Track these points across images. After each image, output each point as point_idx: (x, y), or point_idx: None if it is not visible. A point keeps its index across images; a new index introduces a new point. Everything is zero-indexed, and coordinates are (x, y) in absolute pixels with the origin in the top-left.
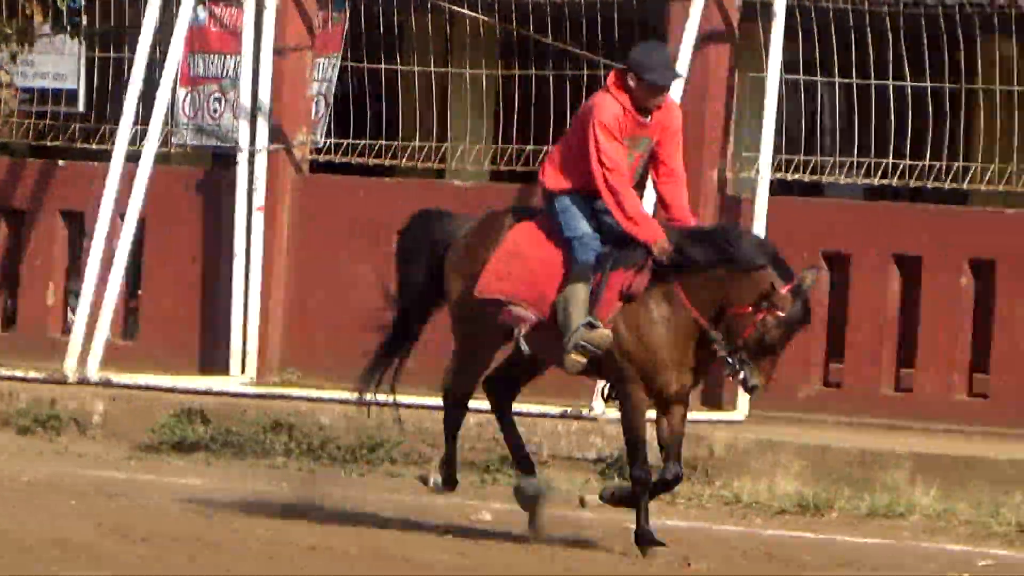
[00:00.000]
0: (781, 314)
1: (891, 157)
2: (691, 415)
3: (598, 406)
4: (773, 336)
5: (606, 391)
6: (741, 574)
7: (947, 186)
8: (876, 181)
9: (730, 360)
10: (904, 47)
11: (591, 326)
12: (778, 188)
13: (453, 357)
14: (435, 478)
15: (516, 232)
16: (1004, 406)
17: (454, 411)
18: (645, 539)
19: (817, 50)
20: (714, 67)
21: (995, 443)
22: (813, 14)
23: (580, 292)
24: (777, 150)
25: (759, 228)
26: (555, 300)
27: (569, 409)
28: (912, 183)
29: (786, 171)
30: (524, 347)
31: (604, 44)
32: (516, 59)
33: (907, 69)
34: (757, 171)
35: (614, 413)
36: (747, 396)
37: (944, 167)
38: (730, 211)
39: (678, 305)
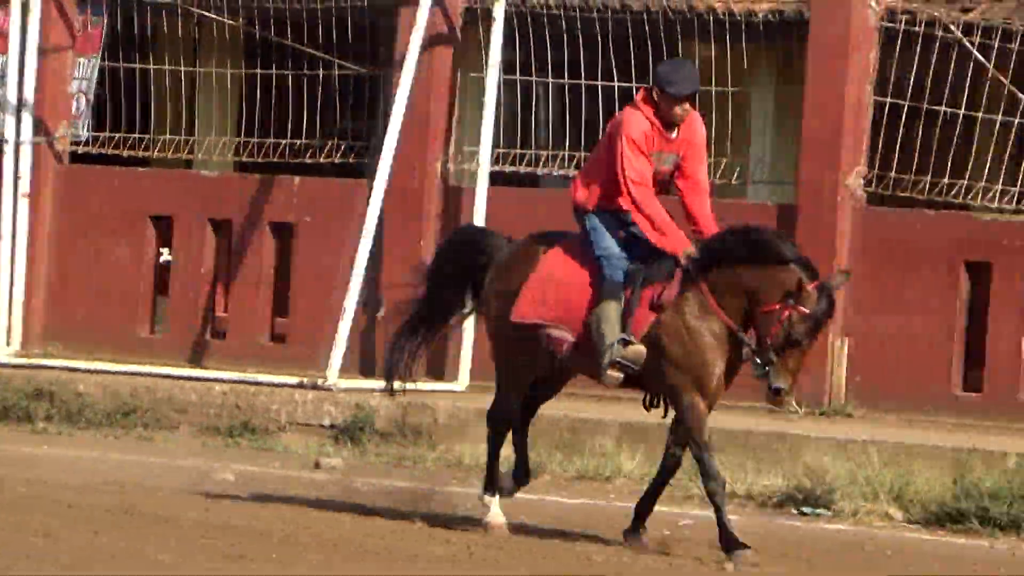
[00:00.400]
0: (806, 310)
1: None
2: (416, 385)
3: (331, 376)
4: (799, 332)
5: (647, 400)
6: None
7: None
8: None
9: (758, 362)
10: (612, 50)
11: (625, 343)
12: (495, 179)
13: (496, 381)
14: (485, 498)
15: (549, 257)
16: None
17: (498, 434)
18: (731, 544)
19: (533, 52)
20: (438, 68)
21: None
22: (529, 19)
23: (611, 310)
24: (496, 144)
25: (479, 216)
26: (587, 319)
27: (306, 380)
28: None
29: (504, 163)
30: (566, 364)
31: (339, 45)
32: (259, 59)
33: (615, 70)
34: (477, 163)
35: (347, 383)
36: (467, 367)
37: None
38: (453, 200)
39: (709, 310)
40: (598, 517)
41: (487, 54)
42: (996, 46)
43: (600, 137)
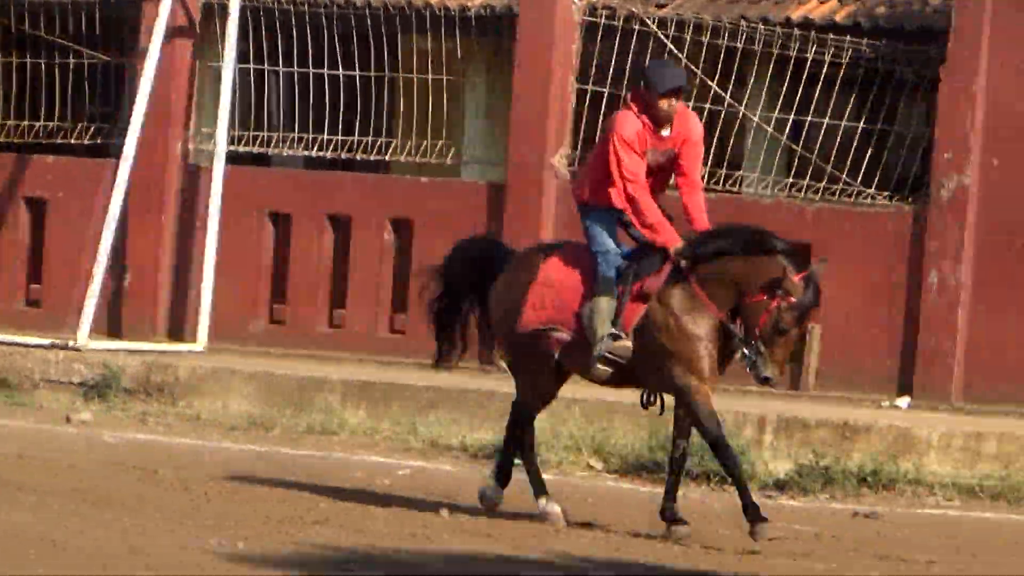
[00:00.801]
0: (793, 299)
1: (327, 133)
2: (158, 346)
3: (81, 338)
4: (786, 322)
5: (644, 398)
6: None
7: (373, 158)
8: (315, 153)
9: (746, 352)
10: (338, 41)
11: (614, 337)
12: (233, 159)
13: (516, 387)
14: (486, 488)
15: (546, 264)
16: (418, 340)
17: (517, 430)
18: (756, 517)
19: (266, 43)
20: (179, 57)
21: (412, 371)
22: (262, 13)
23: (603, 304)
24: (232, 126)
25: (216, 193)
26: (581, 313)
27: (57, 341)
28: (344, 155)
29: (239, 144)
30: (563, 364)
31: (89, 36)
32: (15, 50)
33: (340, 60)
34: (214, 144)
35: (95, 344)
36: (205, 329)
37: (371, 142)
38: (192, 177)
39: (698, 301)
40: (323, 468)
41: (224, 45)
42: (688, 38)
43: (597, 137)
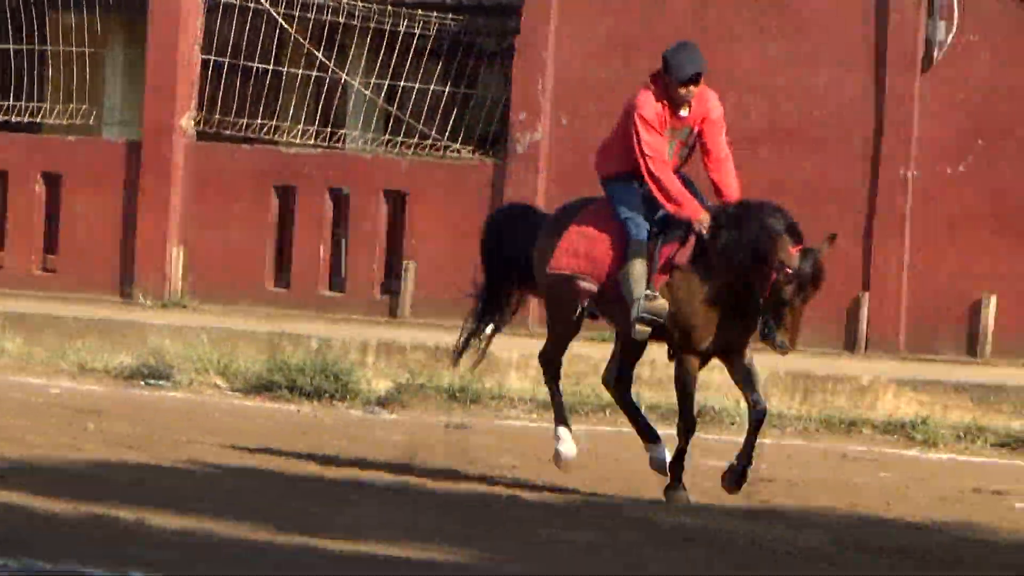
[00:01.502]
0: (790, 271)
1: None
2: None
3: None
4: (786, 293)
5: (671, 352)
6: None
7: (27, 119)
8: None
9: (761, 322)
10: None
11: (649, 298)
12: None
13: (547, 327)
14: (559, 446)
15: (582, 215)
16: (68, 278)
17: (548, 374)
18: (673, 478)
19: None
20: None
21: (62, 304)
22: None
23: (638, 267)
24: None
25: None
26: (617, 274)
27: None
28: (1, 117)
29: None
30: (586, 314)
31: None
32: None
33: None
34: None
35: None
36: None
37: (23, 106)
38: None
39: (714, 273)
40: None
41: None
42: (296, 15)
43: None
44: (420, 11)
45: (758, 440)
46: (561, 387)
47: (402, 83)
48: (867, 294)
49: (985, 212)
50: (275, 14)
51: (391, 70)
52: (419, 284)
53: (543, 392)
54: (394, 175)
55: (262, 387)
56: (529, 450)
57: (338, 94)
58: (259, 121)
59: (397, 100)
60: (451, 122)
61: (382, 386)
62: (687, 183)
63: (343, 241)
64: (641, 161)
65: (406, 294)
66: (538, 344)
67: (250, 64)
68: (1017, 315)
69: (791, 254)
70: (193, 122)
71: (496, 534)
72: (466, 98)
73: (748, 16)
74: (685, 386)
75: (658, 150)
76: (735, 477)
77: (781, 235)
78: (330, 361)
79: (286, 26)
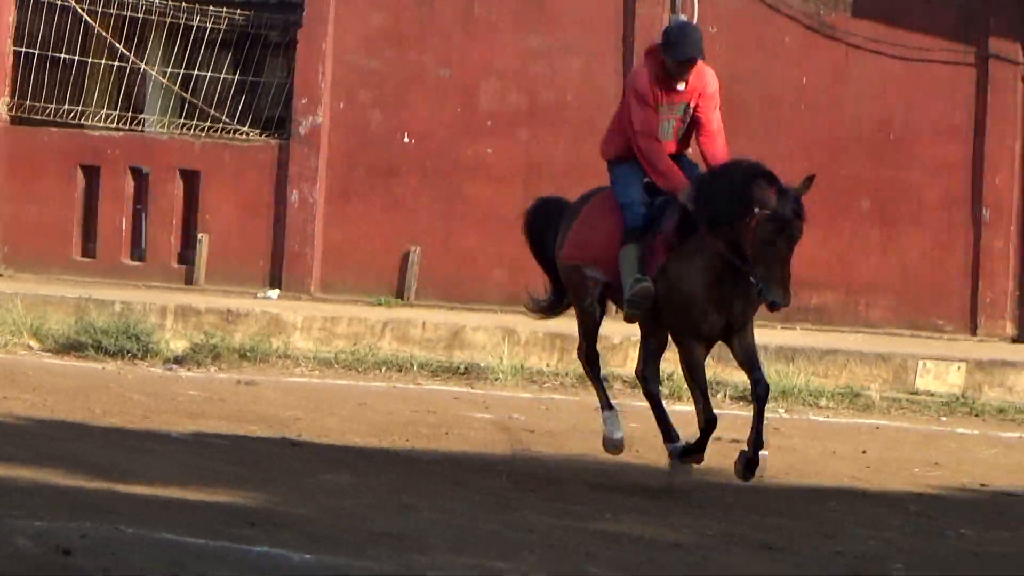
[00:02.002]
0: (768, 212)
1: None
2: None
3: None
4: (767, 233)
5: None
6: None
7: None
8: None
9: (753, 280)
10: None
11: (636, 282)
12: None
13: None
14: (608, 431)
15: (590, 204)
16: None
17: (586, 361)
18: (686, 457)
19: None
20: None
21: None
22: None
23: (631, 252)
24: None
25: None
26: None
27: None
28: None
29: None
30: (597, 308)
31: None
32: None
33: None
34: None
35: None
36: None
37: None
38: None
39: (704, 244)
40: None
41: None
42: (101, 11)
43: None
44: (211, 7)
45: (764, 420)
46: (602, 373)
47: (195, 72)
48: None
49: None
50: (80, 10)
51: (186, 60)
52: (212, 254)
53: (324, 351)
54: (188, 155)
55: (71, 347)
56: (311, 404)
57: (138, 82)
58: (67, 107)
59: (191, 87)
60: (240, 107)
61: (179, 346)
62: (690, 166)
63: (143, 215)
64: (632, 137)
65: (200, 263)
66: (318, 307)
67: (58, 55)
68: None
69: (768, 196)
70: (7, 108)
71: (276, 478)
72: (253, 85)
73: (508, 11)
74: (692, 374)
75: (649, 125)
76: (747, 464)
77: (756, 178)
78: (132, 323)
79: (91, 21)
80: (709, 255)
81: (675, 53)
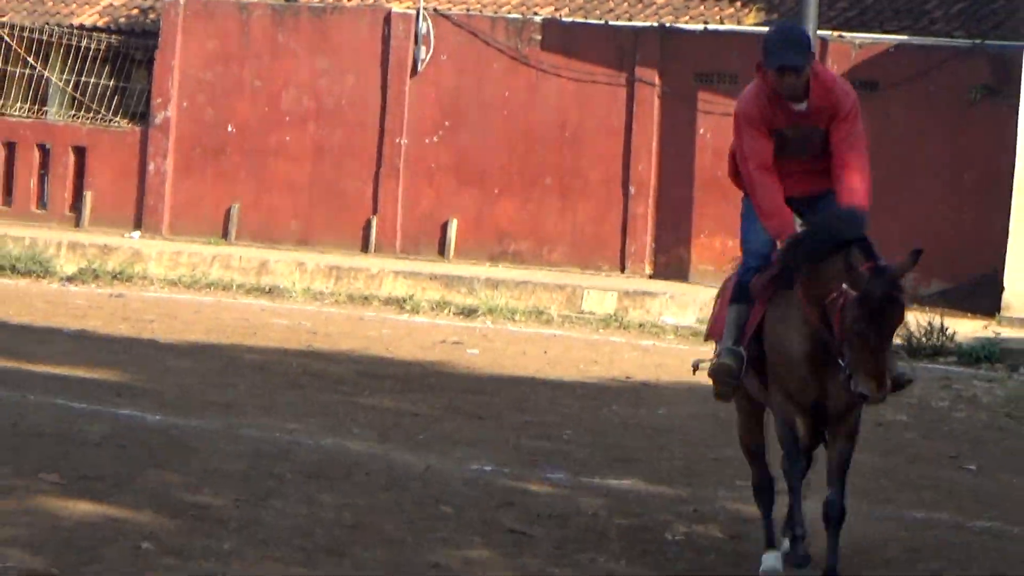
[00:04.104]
0: (855, 293)
1: None
2: None
3: None
4: (853, 320)
5: None
6: None
7: None
8: None
9: (841, 363)
10: None
11: (726, 353)
12: None
13: None
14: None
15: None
16: None
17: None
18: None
19: None
20: None
21: None
22: None
23: (732, 314)
24: None
25: None
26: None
27: None
28: None
29: None
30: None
31: None
32: None
33: None
34: None
35: None
36: None
37: None
38: None
39: (798, 309)
40: None
41: None
42: (17, 34)
43: None
44: (96, 33)
45: (839, 543)
46: (773, 474)
47: (84, 78)
48: (375, 216)
49: (450, 165)
50: (3, 34)
51: (77, 70)
52: (94, 206)
53: (172, 274)
54: (78, 137)
55: None
56: (162, 311)
57: (43, 85)
58: None
59: (80, 90)
60: (115, 104)
61: (70, 269)
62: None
63: (46, 177)
64: (741, 166)
65: (86, 212)
66: (168, 244)
67: None
68: (472, 231)
69: (859, 273)
70: None
71: (137, 362)
72: (124, 89)
73: (303, 39)
74: (782, 446)
75: (756, 151)
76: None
77: (849, 248)
78: (37, 252)
79: (10, 41)
80: (804, 319)
81: (769, 60)
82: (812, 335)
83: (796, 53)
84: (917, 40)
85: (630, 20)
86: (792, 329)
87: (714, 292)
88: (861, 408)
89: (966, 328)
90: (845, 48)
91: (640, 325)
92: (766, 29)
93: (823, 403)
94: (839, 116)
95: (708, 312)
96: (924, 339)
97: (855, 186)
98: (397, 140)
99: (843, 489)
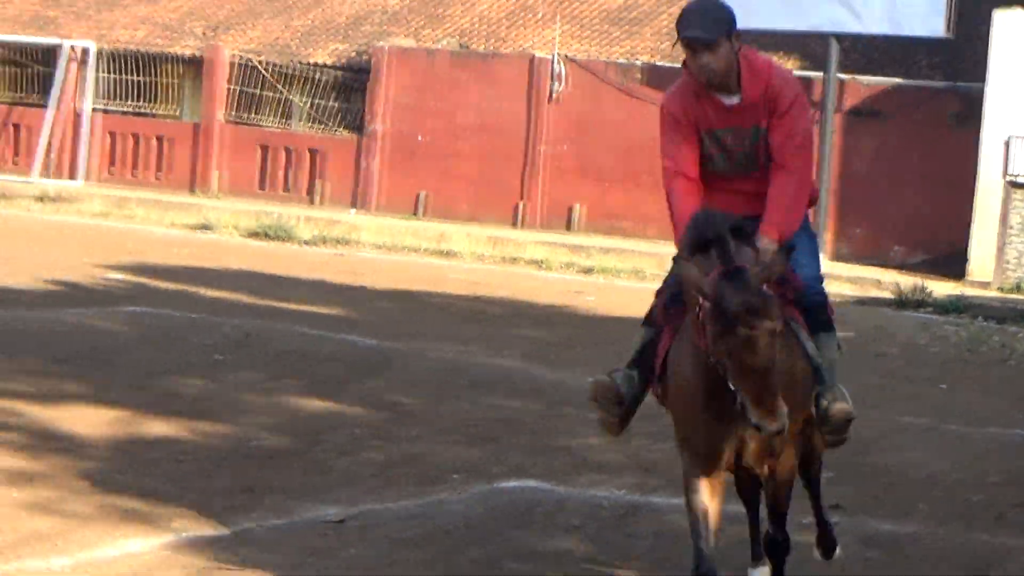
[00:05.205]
0: (708, 304)
1: None
2: None
3: None
4: (715, 338)
5: None
6: None
7: None
8: None
9: (731, 388)
10: None
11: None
12: None
13: None
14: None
15: None
16: None
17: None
18: None
19: None
20: None
21: None
22: None
23: (638, 336)
24: None
25: None
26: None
27: None
28: None
29: None
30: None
31: None
32: None
33: None
34: None
35: None
36: None
37: None
38: None
39: (691, 333)
40: None
41: None
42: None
43: None
44: (326, 68)
45: None
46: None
47: (316, 100)
48: (522, 201)
49: (576, 166)
50: (261, 68)
51: (313, 94)
52: (324, 191)
53: (380, 240)
54: (313, 142)
55: (254, 234)
56: (373, 268)
57: (288, 105)
58: None
59: (314, 108)
60: (339, 119)
61: (306, 235)
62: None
63: (290, 170)
64: (662, 168)
65: (318, 195)
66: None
67: None
68: (591, 212)
69: (707, 282)
70: None
71: (354, 302)
72: (346, 108)
73: (472, 75)
74: (687, 511)
75: (672, 154)
76: None
77: (705, 245)
78: (283, 223)
79: (265, 74)
80: (703, 357)
81: (681, 32)
82: (708, 366)
83: (705, 25)
84: (908, 81)
85: None
86: (684, 358)
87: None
88: (800, 440)
89: (941, 288)
90: (857, 87)
91: None
92: (805, 73)
93: (739, 451)
94: (779, 110)
95: None
96: (911, 295)
97: (788, 194)
98: (538, 147)
99: (783, 523)
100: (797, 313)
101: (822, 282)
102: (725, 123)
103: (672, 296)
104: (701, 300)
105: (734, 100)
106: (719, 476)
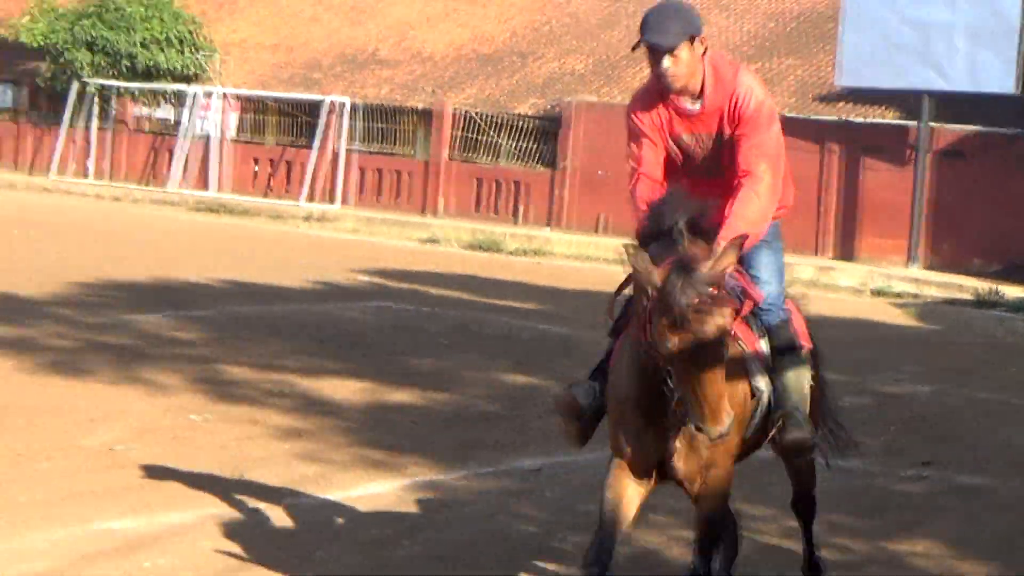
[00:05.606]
0: (655, 294)
1: None
2: None
3: None
4: (660, 334)
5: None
6: None
7: None
8: None
9: (668, 391)
10: None
11: (569, 387)
12: None
13: None
14: None
15: None
16: None
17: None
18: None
19: None
20: None
21: None
22: None
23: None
24: None
25: None
26: None
27: None
28: None
29: None
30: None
31: None
32: None
33: None
34: None
35: None
36: None
37: None
38: None
39: (635, 326)
40: None
41: None
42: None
43: None
44: (527, 118)
45: None
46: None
47: (519, 143)
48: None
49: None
50: (476, 118)
51: (517, 137)
52: (524, 212)
53: (571, 251)
54: (516, 175)
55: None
56: (562, 274)
57: (497, 146)
58: None
59: (518, 149)
60: (537, 157)
61: (511, 247)
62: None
63: (498, 196)
64: (630, 171)
65: (519, 216)
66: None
67: None
68: None
69: (652, 275)
70: None
71: (549, 299)
72: (542, 149)
73: (620, 123)
74: (599, 504)
75: (645, 163)
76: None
77: (656, 249)
78: (492, 238)
79: (479, 122)
80: (643, 360)
81: (644, 37)
82: (643, 368)
83: (666, 31)
84: (986, 128)
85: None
86: (621, 359)
87: (864, 269)
88: (730, 459)
89: (1012, 292)
90: (945, 133)
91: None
92: (903, 122)
93: (671, 462)
94: (743, 119)
95: (858, 279)
96: (987, 297)
97: (747, 202)
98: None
99: (708, 556)
100: (751, 331)
101: (784, 301)
102: (688, 129)
103: (627, 302)
104: (650, 291)
105: (696, 107)
106: (643, 484)
